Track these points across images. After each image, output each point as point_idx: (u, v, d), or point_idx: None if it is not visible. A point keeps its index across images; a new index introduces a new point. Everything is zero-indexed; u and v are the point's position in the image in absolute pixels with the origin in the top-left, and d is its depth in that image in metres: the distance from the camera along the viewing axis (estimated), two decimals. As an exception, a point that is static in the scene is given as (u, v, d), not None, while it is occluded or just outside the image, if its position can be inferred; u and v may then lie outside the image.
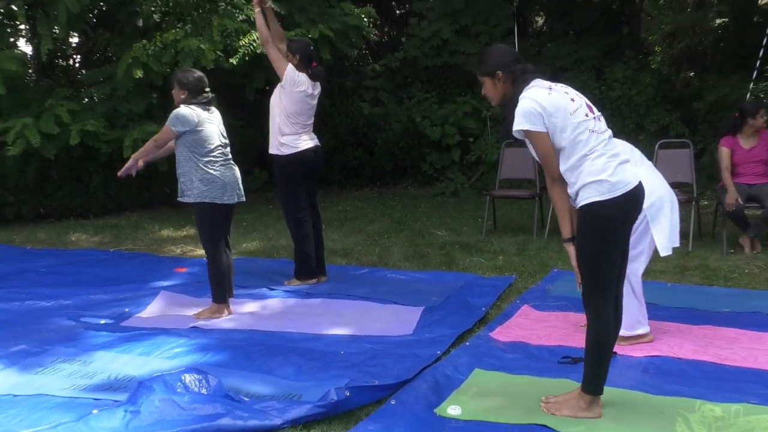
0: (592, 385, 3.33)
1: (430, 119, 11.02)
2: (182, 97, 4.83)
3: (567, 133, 3.16)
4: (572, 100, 3.24)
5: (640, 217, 3.90)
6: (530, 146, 3.31)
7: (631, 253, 3.95)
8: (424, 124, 10.99)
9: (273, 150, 5.67)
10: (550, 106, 3.16)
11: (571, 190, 3.22)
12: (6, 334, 4.59)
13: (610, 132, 3.33)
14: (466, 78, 11.53)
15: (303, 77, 5.54)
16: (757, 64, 8.62)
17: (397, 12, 14.45)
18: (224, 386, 3.52)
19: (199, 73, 4.95)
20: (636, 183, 3.22)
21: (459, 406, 3.44)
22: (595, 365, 3.31)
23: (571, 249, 3.24)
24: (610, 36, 12.61)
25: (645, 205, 4.00)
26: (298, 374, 3.86)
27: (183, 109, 4.75)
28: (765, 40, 8.35)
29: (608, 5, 13.43)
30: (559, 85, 3.33)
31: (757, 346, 4.24)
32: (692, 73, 13.38)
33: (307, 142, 5.66)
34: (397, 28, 13.85)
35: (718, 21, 14.01)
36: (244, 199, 5.13)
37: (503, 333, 4.53)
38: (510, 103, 3.34)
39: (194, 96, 4.85)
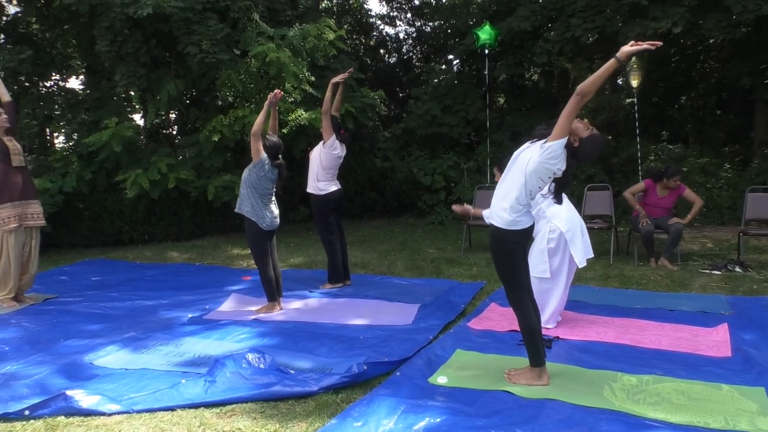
0: (535, 359, 3.29)
1: (424, 170, 11.00)
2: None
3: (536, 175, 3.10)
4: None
5: (558, 238, 4.14)
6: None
7: (554, 267, 4.12)
8: (419, 174, 10.97)
9: (311, 190, 5.66)
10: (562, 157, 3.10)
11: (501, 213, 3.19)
12: (121, 325, 4.58)
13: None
14: (450, 141, 11.57)
15: (338, 144, 5.58)
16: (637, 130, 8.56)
17: (401, 95, 14.53)
18: (276, 362, 3.49)
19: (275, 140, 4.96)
20: (531, 222, 3.23)
21: (446, 376, 3.40)
22: (531, 345, 3.28)
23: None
24: (551, 109, 12.62)
25: (564, 230, 4.05)
26: (330, 353, 3.82)
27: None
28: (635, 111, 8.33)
29: (549, 89, 13.48)
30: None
31: (660, 333, 4.17)
32: (610, 137, 13.36)
33: (334, 186, 5.66)
34: (400, 107, 13.90)
35: (627, 100, 14.03)
36: (277, 226, 5.02)
37: (477, 323, 4.47)
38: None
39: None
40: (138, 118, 10.35)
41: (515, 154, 3.25)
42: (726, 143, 12.71)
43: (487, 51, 9.07)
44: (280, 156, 4.90)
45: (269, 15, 9.13)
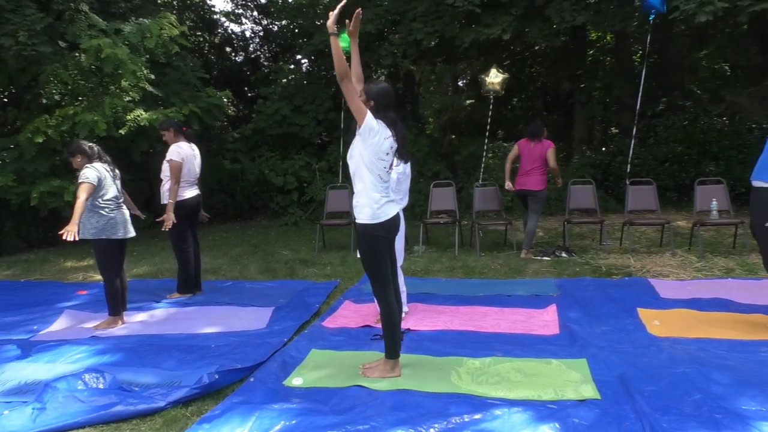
0: (391, 352, 3.39)
1: (275, 171, 10.88)
2: (79, 160, 4.48)
3: (368, 157, 3.18)
4: (391, 147, 3.26)
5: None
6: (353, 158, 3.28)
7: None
8: (271, 175, 10.83)
9: (164, 200, 5.27)
10: (377, 130, 3.16)
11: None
12: (-74, 355, 3.97)
13: (394, 181, 3.42)
14: (301, 142, 11.53)
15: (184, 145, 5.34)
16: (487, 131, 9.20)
17: (249, 94, 14.20)
18: (118, 381, 3.25)
19: (88, 144, 4.61)
20: (393, 213, 3.31)
21: (301, 377, 3.39)
22: (390, 338, 3.38)
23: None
24: (397, 111, 13.04)
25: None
26: (179, 365, 3.63)
27: (90, 170, 4.40)
28: (489, 113, 8.98)
29: (396, 91, 13.93)
30: (391, 138, 3.29)
31: (500, 318, 4.49)
32: (453, 136, 14.15)
33: (191, 192, 5.39)
34: (249, 106, 13.57)
35: (467, 101, 14.95)
36: (134, 234, 4.77)
37: (332, 321, 4.51)
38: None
39: (91, 160, 4.50)
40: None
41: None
42: (552, 141, 14.02)
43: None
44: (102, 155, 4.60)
45: (99, 6, 8.45)
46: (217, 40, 14.71)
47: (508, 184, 6.98)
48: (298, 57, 13.66)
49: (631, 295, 4.94)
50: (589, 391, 3.07)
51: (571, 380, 3.23)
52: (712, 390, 3.01)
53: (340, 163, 10.36)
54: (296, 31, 13.29)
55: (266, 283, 6.02)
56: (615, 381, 3.19)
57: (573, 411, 2.86)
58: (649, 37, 8.24)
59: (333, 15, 3.17)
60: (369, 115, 3.14)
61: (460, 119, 14.89)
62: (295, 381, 3.33)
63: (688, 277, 5.67)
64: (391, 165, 3.35)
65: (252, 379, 3.36)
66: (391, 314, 3.36)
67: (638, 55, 12.93)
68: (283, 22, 14.12)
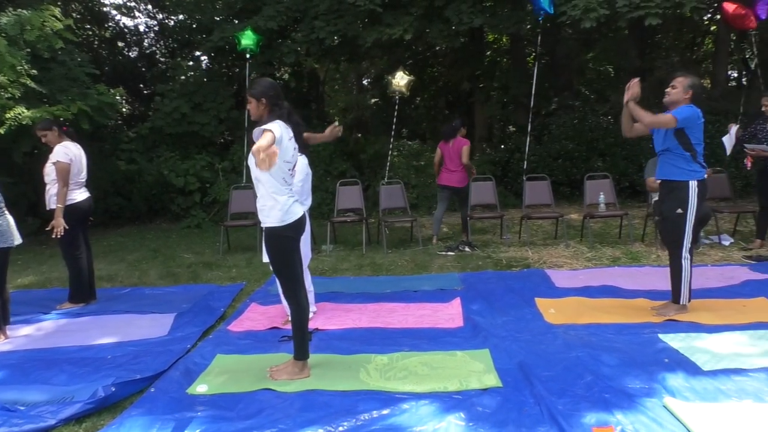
0: (300, 353, 3.36)
1: (175, 172, 10.44)
2: None
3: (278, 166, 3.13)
4: (294, 148, 3.26)
5: None
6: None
7: None
8: (171, 176, 10.38)
9: (51, 205, 4.91)
10: (280, 139, 3.10)
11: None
12: None
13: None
14: (202, 141, 11.16)
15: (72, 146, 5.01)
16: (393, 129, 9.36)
17: (145, 92, 13.55)
18: (0, 401, 2.99)
19: None
20: (300, 214, 3.30)
21: (206, 384, 3.28)
22: (299, 338, 3.35)
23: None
24: (303, 108, 12.94)
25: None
26: (71, 380, 3.40)
27: None
28: (395, 113, 9.12)
29: (300, 88, 13.80)
30: (293, 139, 3.26)
31: (407, 313, 4.57)
32: (359, 135, 14.24)
33: (81, 194, 5.07)
34: (146, 104, 12.95)
35: (373, 100, 15.09)
36: (21, 241, 4.42)
37: (238, 325, 4.40)
38: (259, 124, 3.15)
39: None
40: None
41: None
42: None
43: (248, 55, 8.96)
44: None
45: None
46: (107, 35, 13.92)
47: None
48: (197, 53, 13.20)
49: (529, 286, 5.19)
50: (492, 380, 3.20)
51: (475, 370, 3.35)
52: (602, 371, 3.22)
53: (244, 163, 10.12)
54: (194, 26, 12.82)
55: (167, 288, 5.78)
56: (515, 368, 3.34)
57: (477, 400, 2.96)
58: (539, 39, 8.68)
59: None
60: (274, 131, 3.01)
61: (365, 118, 15.00)
62: (200, 388, 3.22)
63: (580, 266, 6.03)
64: (294, 166, 3.33)
65: (153, 390, 3.22)
66: (301, 315, 3.33)
67: (532, 56, 13.58)
68: (180, 17, 13.58)
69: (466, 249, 6.95)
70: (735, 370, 3.20)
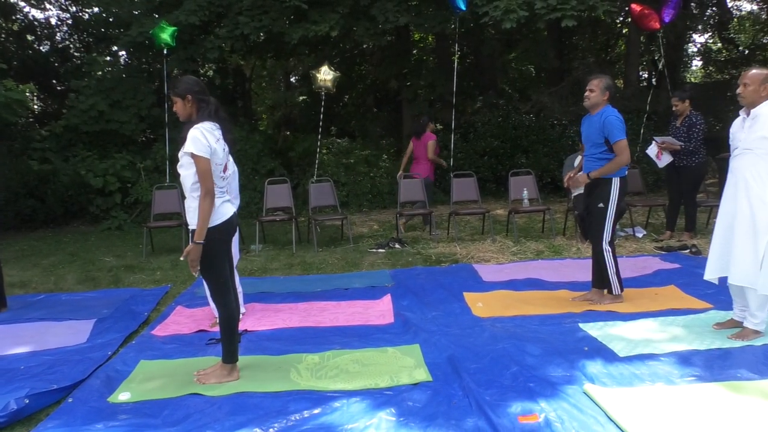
0: (229, 356, 3.29)
1: (93, 172, 9.93)
2: None
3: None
4: (224, 149, 3.20)
5: None
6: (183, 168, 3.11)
7: None
8: (89, 176, 9.87)
9: None
10: (211, 145, 3.04)
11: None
12: None
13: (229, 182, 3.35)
14: (122, 139, 10.69)
15: None
16: (320, 126, 9.32)
17: (59, 88, 12.83)
18: None
19: None
20: (230, 215, 3.24)
21: (129, 392, 3.15)
22: (228, 341, 3.28)
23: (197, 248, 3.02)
24: (229, 105, 12.64)
25: None
26: (-21, 394, 3.17)
27: None
28: (321, 110, 9.09)
29: (225, 85, 13.48)
30: (221, 139, 3.19)
31: (338, 311, 4.56)
32: (288, 132, 14.06)
33: None
34: (59, 101, 12.27)
35: (300, 98, 14.94)
36: None
37: (162, 329, 4.25)
38: (189, 124, 3.08)
39: None
40: None
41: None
42: (383, 137, 14.55)
43: (166, 51, 8.63)
44: None
45: None
46: (15, 27, 13.09)
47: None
48: (115, 48, 12.63)
49: (458, 281, 5.29)
50: (422, 375, 3.24)
51: (406, 366, 3.38)
52: (527, 362, 3.33)
53: (167, 162, 9.79)
54: (111, 20, 12.25)
55: (86, 293, 5.50)
56: (445, 362, 3.40)
57: (408, 395, 2.99)
58: (457, 37, 8.90)
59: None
60: (202, 153, 3.00)
61: (293, 115, 14.83)
62: (122, 396, 3.09)
63: (506, 260, 6.21)
64: (225, 166, 3.26)
65: (71, 400, 3.06)
66: (230, 317, 3.25)
67: (457, 56, 13.85)
68: (95, 10, 12.94)
69: (396, 246, 7.02)
70: (648, 355, 3.39)
